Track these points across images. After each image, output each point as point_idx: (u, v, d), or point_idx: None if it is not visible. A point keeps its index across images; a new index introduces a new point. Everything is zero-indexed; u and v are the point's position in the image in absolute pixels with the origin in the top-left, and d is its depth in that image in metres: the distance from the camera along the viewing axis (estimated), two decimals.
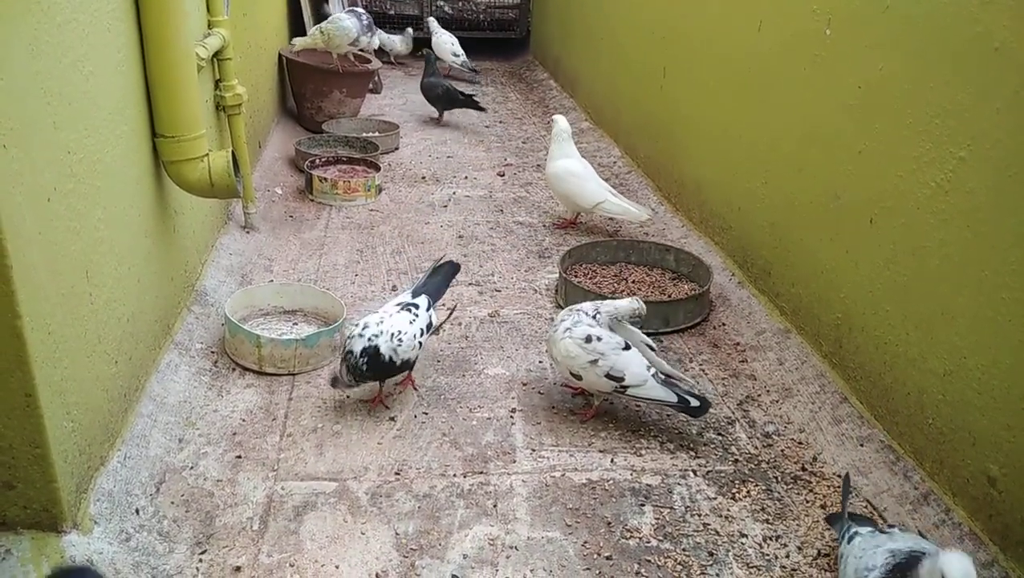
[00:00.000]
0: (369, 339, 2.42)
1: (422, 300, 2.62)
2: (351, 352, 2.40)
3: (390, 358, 2.43)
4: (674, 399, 2.40)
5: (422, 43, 7.11)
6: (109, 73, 2.16)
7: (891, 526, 1.92)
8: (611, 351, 2.42)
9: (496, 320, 3.15)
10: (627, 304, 2.52)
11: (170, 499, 2.10)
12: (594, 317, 2.49)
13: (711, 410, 2.60)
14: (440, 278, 2.78)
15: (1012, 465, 1.92)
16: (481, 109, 5.69)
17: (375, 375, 2.46)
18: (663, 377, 2.45)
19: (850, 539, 1.82)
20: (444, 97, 5.66)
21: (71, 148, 1.88)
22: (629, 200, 3.93)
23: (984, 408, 2.00)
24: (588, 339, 2.43)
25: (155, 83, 2.44)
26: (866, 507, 2.21)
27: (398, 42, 7.43)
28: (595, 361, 2.41)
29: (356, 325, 2.49)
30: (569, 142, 3.93)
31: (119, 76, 2.24)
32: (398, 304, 2.58)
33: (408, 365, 2.55)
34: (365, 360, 2.39)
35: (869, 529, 1.84)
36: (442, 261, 2.86)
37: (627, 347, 2.45)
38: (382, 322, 2.47)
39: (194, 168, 2.58)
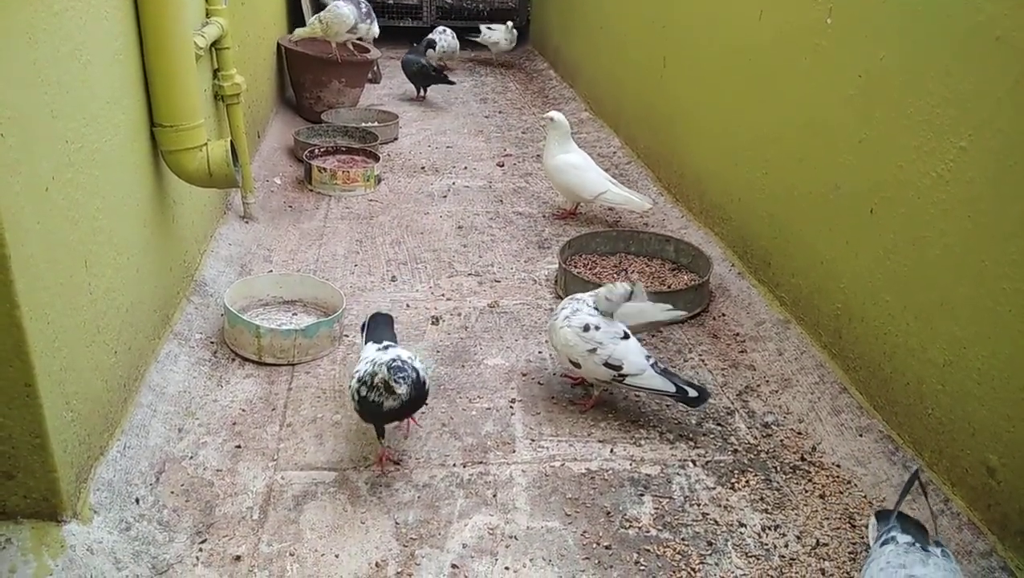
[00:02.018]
0: (399, 358, 2.13)
1: (391, 345, 2.32)
2: (398, 371, 2.06)
3: (424, 381, 2.18)
4: (672, 389, 2.40)
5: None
6: (107, 62, 2.15)
7: (936, 542, 1.72)
8: (609, 340, 2.42)
9: (496, 311, 3.15)
10: (620, 289, 2.47)
11: (170, 489, 2.11)
12: (596, 308, 2.49)
13: (710, 400, 2.61)
14: (383, 328, 2.46)
15: (1011, 455, 1.92)
16: (450, 83, 6.05)
17: (410, 404, 2.16)
18: (661, 368, 2.45)
19: (884, 543, 1.70)
20: (419, 74, 5.98)
21: (69, 137, 1.87)
22: (630, 190, 3.93)
23: (983, 398, 2.00)
24: (586, 328, 2.43)
25: (153, 72, 2.43)
26: (865, 497, 2.21)
27: (500, 35, 6.98)
28: (593, 350, 2.41)
29: (359, 369, 2.16)
30: (568, 138, 3.91)
31: (117, 65, 2.23)
32: (377, 349, 2.28)
33: (425, 394, 2.23)
34: (410, 372, 2.10)
35: (909, 539, 1.70)
36: (369, 317, 2.53)
37: (626, 336, 2.45)
38: (386, 352, 2.21)
39: (193, 158, 2.57)
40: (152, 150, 2.51)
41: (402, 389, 2.06)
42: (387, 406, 2.11)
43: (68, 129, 1.87)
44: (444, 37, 6.79)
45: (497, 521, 2.10)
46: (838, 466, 2.34)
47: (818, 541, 2.07)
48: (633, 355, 2.42)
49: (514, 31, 7.08)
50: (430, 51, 6.49)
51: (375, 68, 6.43)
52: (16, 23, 1.62)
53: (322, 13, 5.14)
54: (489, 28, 7.11)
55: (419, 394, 2.17)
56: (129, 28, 2.32)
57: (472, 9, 7.98)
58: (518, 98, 6.42)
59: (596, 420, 2.52)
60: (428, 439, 2.40)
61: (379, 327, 2.47)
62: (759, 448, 2.43)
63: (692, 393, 2.40)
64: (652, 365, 2.43)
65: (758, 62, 3.21)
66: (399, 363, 2.08)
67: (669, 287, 3.30)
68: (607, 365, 2.41)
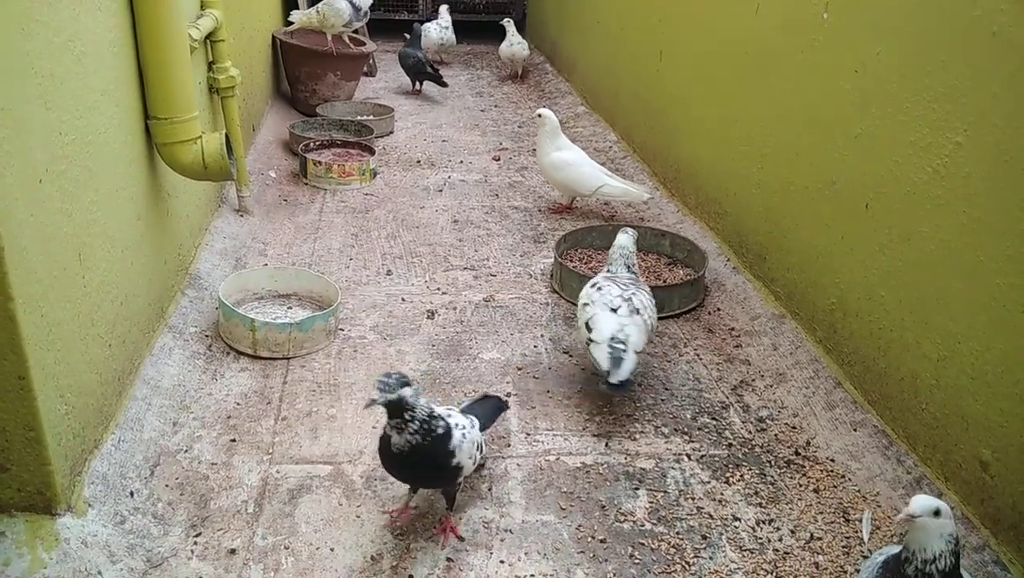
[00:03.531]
0: (442, 416, 1.89)
1: (473, 419, 2.08)
2: (385, 377, 1.78)
3: (453, 449, 1.89)
4: (605, 367, 2.38)
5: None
6: (102, 53, 2.13)
7: None
8: (600, 305, 2.52)
9: (491, 305, 3.15)
10: (621, 238, 2.74)
11: (164, 482, 2.10)
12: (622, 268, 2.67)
13: (705, 394, 2.63)
14: (489, 408, 2.26)
15: (1004, 450, 1.93)
16: (443, 84, 6.03)
17: (421, 460, 1.87)
18: (617, 353, 2.41)
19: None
20: (414, 68, 6.02)
21: (63, 129, 1.86)
22: (627, 181, 3.93)
23: (977, 393, 2.01)
24: (594, 285, 2.62)
25: (148, 64, 2.42)
26: (858, 492, 2.22)
27: (516, 46, 6.56)
28: (584, 305, 2.57)
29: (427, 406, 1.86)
30: (559, 134, 3.92)
31: (112, 57, 2.21)
32: (447, 409, 2.04)
33: (458, 472, 1.95)
34: (402, 390, 1.78)
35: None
36: (489, 394, 2.35)
37: (614, 310, 2.49)
38: (451, 415, 1.98)
39: (187, 150, 2.56)
40: (146, 143, 2.50)
41: (375, 395, 1.74)
42: (394, 444, 1.83)
43: (62, 121, 1.86)
44: (445, 32, 6.77)
45: (492, 515, 2.10)
46: (832, 460, 2.34)
47: (812, 535, 2.08)
48: (605, 327, 2.46)
49: (522, 42, 6.61)
50: (425, 38, 6.47)
51: (371, 61, 6.42)
52: (9, 13, 1.61)
53: (320, 4, 5.14)
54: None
55: (432, 450, 1.84)
56: (124, 20, 2.31)
57: (468, 2, 7.95)
58: (514, 92, 6.41)
59: (591, 414, 2.53)
60: None
61: (482, 405, 2.24)
62: (753, 442, 2.43)
63: (613, 381, 2.37)
64: (611, 340, 2.42)
65: (755, 56, 3.20)
66: (397, 376, 1.78)
67: (665, 282, 3.30)
68: (586, 325, 2.52)
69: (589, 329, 2.50)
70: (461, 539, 2.02)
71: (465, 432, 1.96)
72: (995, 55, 1.95)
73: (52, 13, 1.81)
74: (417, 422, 1.82)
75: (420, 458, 1.85)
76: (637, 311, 2.50)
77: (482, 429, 2.11)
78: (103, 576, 1.76)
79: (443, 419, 1.90)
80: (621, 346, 2.43)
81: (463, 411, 2.10)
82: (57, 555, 1.73)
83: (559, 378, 2.70)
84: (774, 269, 3.04)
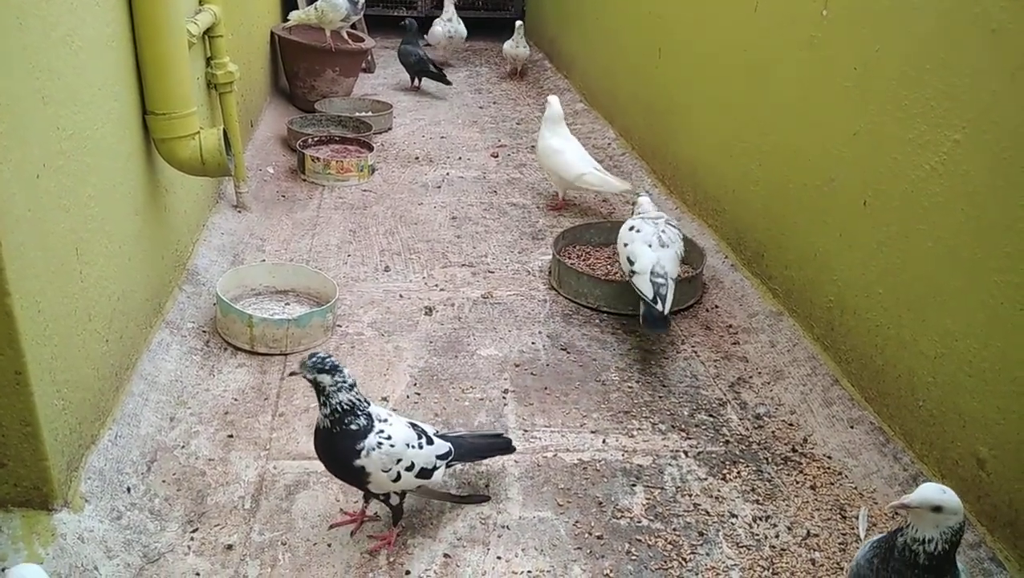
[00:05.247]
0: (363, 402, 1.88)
1: (440, 443, 1.99)
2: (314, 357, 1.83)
3: (360, 449, 1.84)
4: (650, 295, 2.73)
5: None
6: (99, 48, 2.13)
7: None
8: (638, 243, 2.89)
9: (489, 301, 3.15)
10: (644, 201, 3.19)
11: (161, 478, 2.10)
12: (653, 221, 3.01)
13: (703, 391, 2.63)
14: (484, 445, 2.14)
15: (1001, 447, 1.93)
16: (447, 83, 5.97)
17: (329, 456, 1.91)
18: (663, 291, 2.74)
19: None
20: (416, 65, 5.96)
21: (60, 124, 1.86)
22: (612, 174, 3.93)
23: (975, 390, 2.01)
24: (631, 228, 2.99)
25: (146, 59, 2.41)
26: (855, 489, 2.22)
27: (512, 47, 6.44)
28: (625, 244, 2.94)
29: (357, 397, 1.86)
30: (561, 124, 3.92)
31: (110, 51, 2.21)
32: (410, 422, 1.97)
33: (363, 476, 1.87)
34: (340, 404, 1.83)
35: None
36: (498, 433, 2.28)
37: (660, 246, 2.88)
38: (389, 420, 1.92)
39: (185, 146, 2.56)
40: (144, 138, 2.50)
41: (295, 367, 1.85)
42: (317, 420, 1.87)
43: (59, 116, 1.85)
44: (448, 25, 6.69)
45: (489, 511, 2.10)
46: (829, 457, 2.35)
47: (808, 532, 2.08)
48: (644, 259, 2.83)
49: (524, 42, 6.51)
50: (431, 35, 6.39)
51: (369, 57, 6.41)
52: (6, 7, 1.60)
53: (318, 1, 5.13)
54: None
55: (338, 441, 1.84)
56: (121, 14, 2.30)
57: None
58: (513, 89, 6.40)
59: (588, 411, 2.53)
60: None
61: (477, 438, 2.15)
62: (751, 439, 2.43)
63: (656, 312, 2.69)
64: (651, 272, 2.77)
65: (754, 54, 3.20)
66: (319, 361, 1.83)
67: None
68: (628, 259, 2.88)
69: (631, 262, 2.85)
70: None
71: (386, 442, 1.85)
72: (995, 52, 1.95)
73: (49, 7, 1.81)
74: (329, 408, 1.83)
75: (327, 443, 1.88)
76: (666, 245, 2.89)
77: (457, 459, 2.02)
78: (100, 571, 1.76)
79: (368, 419, 1.86)
80: (661, 280, 2.76)
81: (450, 436, 2.03)
82: (53, 550, 1.72)
83: (557, 375, 2.70)
84: (772, 266, 3.04)
